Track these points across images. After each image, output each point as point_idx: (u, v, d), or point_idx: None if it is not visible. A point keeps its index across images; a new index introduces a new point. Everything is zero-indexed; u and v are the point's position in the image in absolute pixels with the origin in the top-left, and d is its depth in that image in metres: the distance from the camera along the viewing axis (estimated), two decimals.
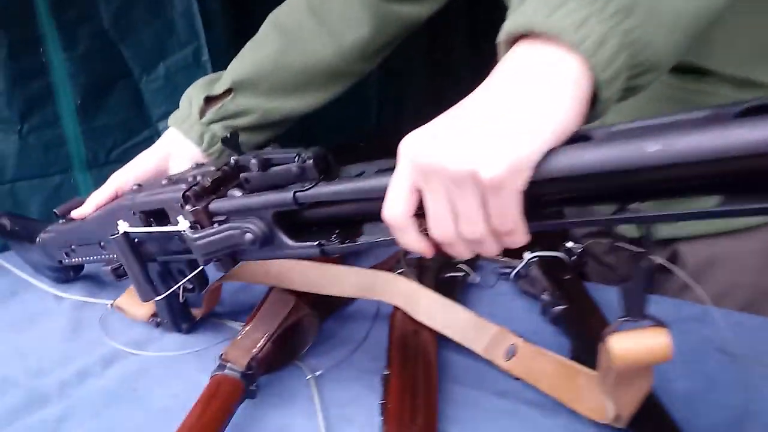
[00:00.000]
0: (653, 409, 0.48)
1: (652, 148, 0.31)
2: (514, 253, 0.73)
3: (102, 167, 1.08)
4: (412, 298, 0.63)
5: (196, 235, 0.52)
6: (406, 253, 0.71)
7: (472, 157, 0.34)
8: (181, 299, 0.64)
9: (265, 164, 0.49)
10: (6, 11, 0.93)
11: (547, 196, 0.37)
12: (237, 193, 0.52)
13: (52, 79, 1.01)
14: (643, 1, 0.34)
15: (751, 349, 0.56)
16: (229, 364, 0.53)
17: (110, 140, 1.09)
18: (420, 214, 0.38)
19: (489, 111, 0.35)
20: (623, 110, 0.40)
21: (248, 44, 0.75)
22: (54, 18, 0.98)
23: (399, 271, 0.69)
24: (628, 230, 0.68)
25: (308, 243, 0.48)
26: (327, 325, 0.68)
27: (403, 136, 0.37)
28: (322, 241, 0.47)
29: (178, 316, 0.67)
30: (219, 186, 0.54)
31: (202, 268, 0.60)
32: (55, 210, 0.73)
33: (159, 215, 0.58)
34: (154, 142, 0.76)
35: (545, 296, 0.64)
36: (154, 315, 0.69)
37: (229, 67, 0.74)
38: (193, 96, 0.73)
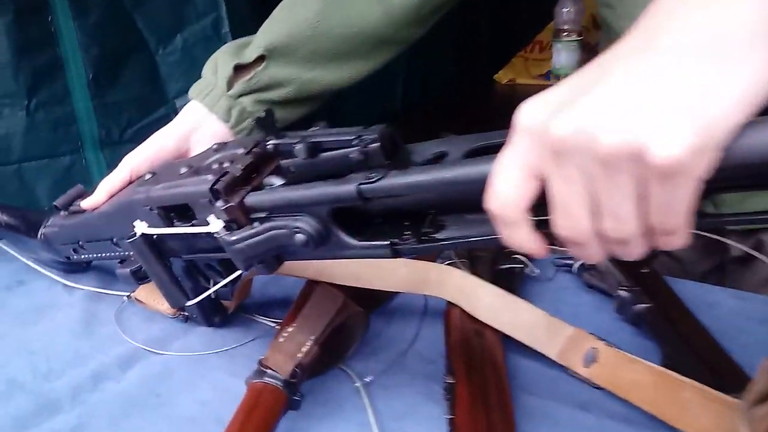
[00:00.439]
0: None
1: None
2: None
3: (115, 146, 1.02)
4: (472, 293, 0.55)
5: (234, 238, 0.43)
6: None
7: (637, 131, 0.25)
8: (212, 289, 0.57)
9: (314, 150, 0.40)
10: None
11: (715, 184, 0.28)
12: (276, 181, 0.44)
13: (62, 51, 0.95)
14: None
15: None
16: (270, 371, 0.46)
17: (124, 118, 1.03)
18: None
19: (655, 71, 0.26)
20: None
21: (282, 4, 0.66)
22: None
23: (448, 261, 0.62)
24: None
25: (376, 242, 0.39)
26: (370, 322, 0.60)
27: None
28: (395, 240, 0.38)
29: (209, 310, 0.59)
30: (251, 173, 0.45)
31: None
32: (54, 203, 0.64)
33: (180, 209, 0.49)
34: (171, 120, 0.68)
35: (623, 292, 0.56)
36: (181, 309, 0.61)
37: (259, 31, 0.66)
38: (219, 63, 0.65)
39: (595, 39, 1.85)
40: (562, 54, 1.60)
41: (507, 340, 0.54)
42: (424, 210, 0.38)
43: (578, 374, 0.50)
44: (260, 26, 0.67)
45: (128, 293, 0.68)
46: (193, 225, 0.47)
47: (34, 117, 0.95)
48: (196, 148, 0.63)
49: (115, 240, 0.59)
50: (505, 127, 0.33)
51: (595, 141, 0.26)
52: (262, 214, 0.43)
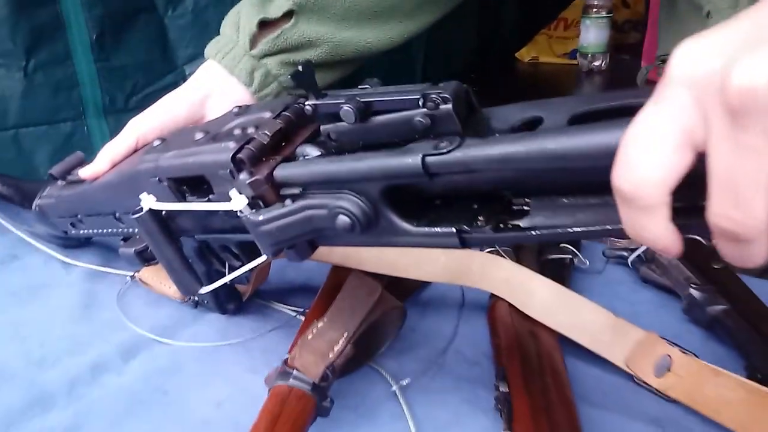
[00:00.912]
0: None
1: None
2: None
3: (120, 114, 0.95)
4: (522, 287, 0.49)
5: (261, 218, 0.36)
6: None
7: None
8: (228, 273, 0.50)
9: (366, 112, 0.33)
10: None
11: None
12: (312, 151, 0.37)
13: (63, 8, 0.87)
14: None
15: None
16: (296, 373, 0.39)
17: (129, 83, 0.95)
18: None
19: None
20: None
21: None
22: None
23: (488, 249, 0.55)
24: None
25: (439, 229, 0.32)
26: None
27: None
28: (462, 227, 0.31)
29: (223, 295, 0.53)
30: (281, 141, 0.38)
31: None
32: (50, 171, 0.57)
33: (195, 182, 0.42)
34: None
35: (694, 291, 0.50)
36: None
37: None
38: (242, 18, 0.57)
39: (622, 17, 1.77)
40: (591, 31, 1.52)
41: (562, 341, 0.47)
42: (498, 190, 0.32)
43: (649, 385, 0.44)
44: None
45: (132, 273, 0.61)
46: (209, 201, 0.40)
47: (33, 79, 0.87)
48: (212, 116, 0.56)
49: (117, 215, 0.52)
50: None
51: None
52: (296, 191, 0.36)
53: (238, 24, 0.57)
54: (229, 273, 0.49)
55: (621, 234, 0.25)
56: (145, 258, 0.47)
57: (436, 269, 0.51)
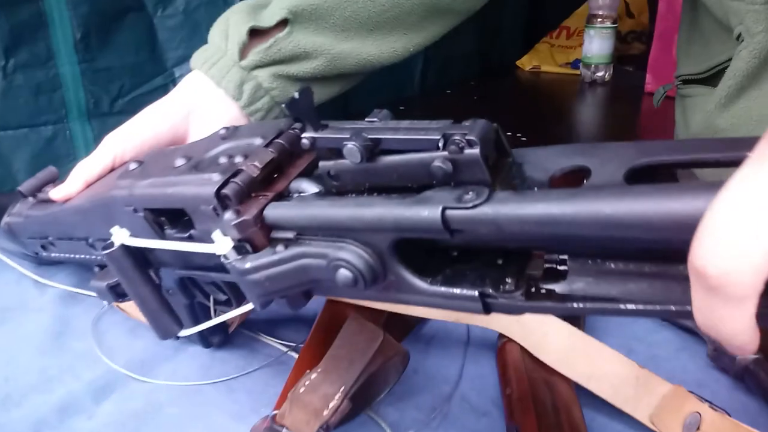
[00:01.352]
0: None
1: None
2: None
3: (105, 118, 0.90)
4: (536, 329, 0.44)
5: (248, 265, 0.32)
6: None
7: None
8: (213, 315, 0.45)
9: (373, 150, 0.28)
10: None
11: None
12: (310, 188, 0.32)
13: (46, 6, 0.82)
14: None
15: None
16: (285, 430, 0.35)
17: (116, 86, 0.91)
18: None
19: None
20: None
21: None
22: None
23: None
24: None
25: (458, 291, 0.27)
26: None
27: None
28: (488, 291, 0.27)
29: (207, 329, 0.48)
30: (273, 173, 0.34)
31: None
32: (19, 188, 0.52)
33: (174, 213, 0.37)
34: (169, 92, 0.56)
35: None
36: None
37: None
38: (231, 26, 0.52)
39: (626, 28, 1.73)
40: (595, 41, 1.48)
41: (579, 391, 0.43)
42: (529, 246, 0.27)
43: None
44: None
45: None
46: (191, 236, 0.36)
47: (12, 80, 0.83)
48: (197, 133, 0.51)
49: (90, 241, 0.47)
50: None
51: None
52: (289, 235, 0.31)
53: (226, 32, 0.52)
54: (214, 306, 0.45)
55: (684, 317, 0.21)
56: (119, 293, 0.42)
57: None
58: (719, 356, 0.46)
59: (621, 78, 1.52)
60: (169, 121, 0.50)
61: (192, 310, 0.45)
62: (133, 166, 0.40)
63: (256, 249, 0.32)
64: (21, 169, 0.87)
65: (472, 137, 0.25)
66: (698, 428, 0.39)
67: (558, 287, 0.25)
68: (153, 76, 0.93)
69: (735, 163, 0.19)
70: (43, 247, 0.54)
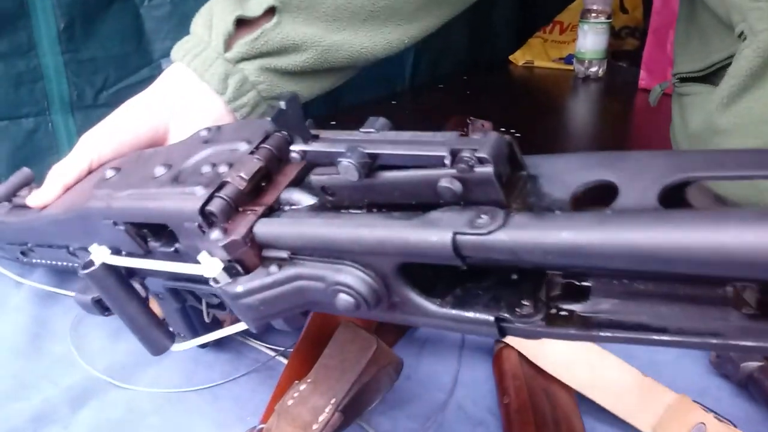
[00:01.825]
0: None
1: None
2: None
3: (88, 110, 0.88)
4: None
5: (240, 289, 0.29)
6: None
7: None
8: (206, 318, 0.43)
9: (371, 165, 0.26)
10: None
11: None
12: (304, 199, 0.30)
13: None
14: None
15: None
16: None
17: (100, 77, 0.88)
18: None
19: None
20: None
21: None
22: None
23: None
24: None
25: (472, 314, 0.25)
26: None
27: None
28: (504, 315, 0.24)
29: (201, 328, 0.46)
30: (261, 182, 0.31)
31: None
32: None
33: (157, 226, 0.35)
34: None
35: None
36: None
37: None
38: (215, 16, 0.50)
39: (620, 23, 1.71)
40: (589, 36, 1.46)
41: (579, 399, 0.41)
42: (547, 269, 0.25)
43: None
44: None
45: (91, 296, 0.54)
46: (176, 251, 0.34)
47: None
48: (178, 130, 0.48)
49: (71, 249, 0.45)
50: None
51: None
52: (283, 254, 0.28)
53: (210, 22, 0.49)
54: (207, 310, 0.43)
55: (730, 351, 0.19)
56: (105, 307, 0.40)
57: None
58: (722, 363, 0.44)
59: (614, 74, 1.51)
60: (149, 119, 0.47)
61: (184, 314, 0.43)
62: (110, 173, 0.38)
63: (247, 269, 0.29)
64: (1, 162, 0.85)
65: (483, 154, 0.23)
66: None
67: (579, 308, 0.23)
68: (139, 68, 0.91)
69: None
70: (23, 253, 0.52)
